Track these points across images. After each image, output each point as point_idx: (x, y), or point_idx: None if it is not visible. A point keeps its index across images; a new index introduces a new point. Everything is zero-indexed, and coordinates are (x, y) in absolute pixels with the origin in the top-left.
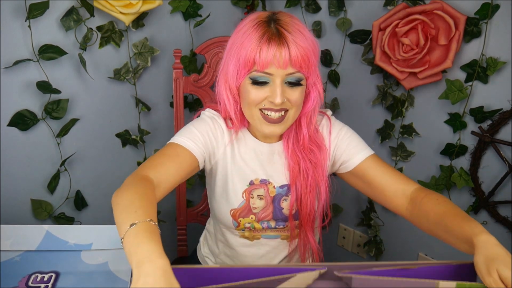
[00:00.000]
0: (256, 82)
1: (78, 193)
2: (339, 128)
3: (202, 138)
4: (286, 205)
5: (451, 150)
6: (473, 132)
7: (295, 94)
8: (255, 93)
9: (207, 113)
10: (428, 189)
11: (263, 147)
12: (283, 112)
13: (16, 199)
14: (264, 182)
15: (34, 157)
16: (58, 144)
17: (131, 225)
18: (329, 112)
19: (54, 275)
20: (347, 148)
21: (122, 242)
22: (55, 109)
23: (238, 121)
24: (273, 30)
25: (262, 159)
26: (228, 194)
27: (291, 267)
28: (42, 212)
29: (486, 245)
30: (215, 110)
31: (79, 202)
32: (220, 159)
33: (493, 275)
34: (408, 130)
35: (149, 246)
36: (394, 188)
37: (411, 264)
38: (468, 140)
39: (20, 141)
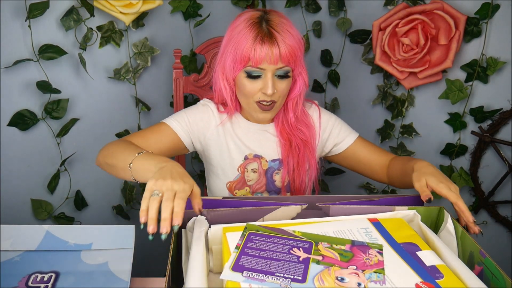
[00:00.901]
0: (250, 76)
1: (78, 193)
2: (329, 114)
3: (187, 119)
4: (278, 178)
5: (451, 150)
6: (473, 132)
7: (283, 85)
8: (250, 86)
9: (202, 102)
10: (399, 156)
11: (256, 126)
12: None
13: (16, 199)
14: (257, 157)
15: (34, 157)
16: (58, 144)
17: (138, 153)
18: (316, 102)
19: (54, 275)
20: (340, 132)
21: (130, 167)
22: (55, 109)
23: (233, 105)
24: (265, 31)
25: (255, 137)
26: (224, 168)
27: (278, 202)
28: (42, 212)
29: (420, 166)
30: (210, 98)
31: (79, 202)
32: (211, 139)
33: (421, 181)
34: (408, 130)
35: (162, 158)
36: (378, 162)
37: (375, 197)
38: (468, 140)
39: (20, 141)
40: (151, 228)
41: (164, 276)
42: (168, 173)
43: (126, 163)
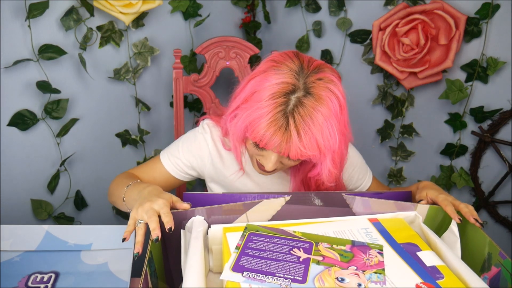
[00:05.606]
0: (257, 146)
1: (78, 193)
2: (348, 155)
3: (179, 160)
4: None
5: (451, 150)
6: (473, 132)
7: (291, 163)
8: (254, 151)
9: (199, 129)
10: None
11: (266, 178)
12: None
13: (16, 199)
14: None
15: (34, 157)
16: (58, 144)
17: (127, 186)
18: None
19: (53, 275)
20: (358, 177)
21: (124, 201)
22: (55, 109)
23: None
24: (284, 124)
25: (263, 187)
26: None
27: (262, 194)
28: (42, 212)
29: (425, 184)
30: (215, 122)
31: (79, 202)
32: (209, 176)
33: (422, 193)
34: (408, 130)
35: (142, 185)
36: None
37: (380, 192)
38: (468, 140)
39: (20, 141)
40: (136, 249)
41: (161, 276)
42: (145, 199)
43: (121, 199)
